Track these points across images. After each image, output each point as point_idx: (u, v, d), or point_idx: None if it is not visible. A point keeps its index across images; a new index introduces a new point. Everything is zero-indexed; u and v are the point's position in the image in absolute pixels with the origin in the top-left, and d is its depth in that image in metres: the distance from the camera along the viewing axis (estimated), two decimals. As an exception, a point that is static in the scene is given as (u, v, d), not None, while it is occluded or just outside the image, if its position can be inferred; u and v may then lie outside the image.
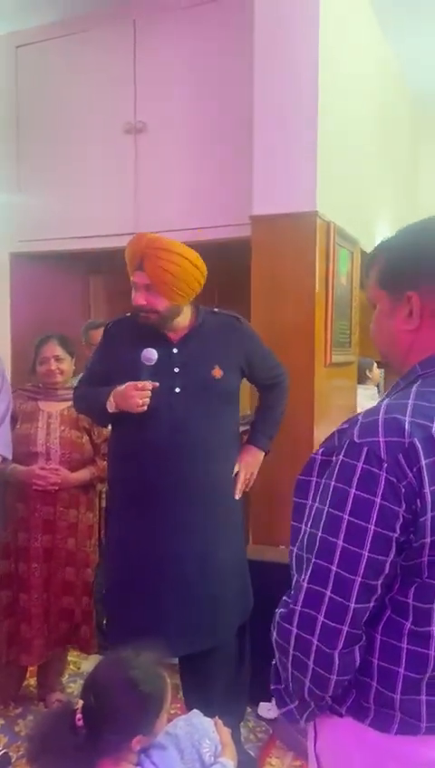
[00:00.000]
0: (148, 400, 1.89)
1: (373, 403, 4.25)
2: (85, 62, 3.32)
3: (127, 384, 1.90)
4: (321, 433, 2.71)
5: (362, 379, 3.73)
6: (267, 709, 2.42)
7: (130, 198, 3.28)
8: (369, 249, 3.47)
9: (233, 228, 2.88)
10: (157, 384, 1.90)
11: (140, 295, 1.93)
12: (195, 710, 1.76)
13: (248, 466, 2.13)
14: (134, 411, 1.89)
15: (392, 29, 3.57)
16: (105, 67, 3.28)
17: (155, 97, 3.19)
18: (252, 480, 2.16)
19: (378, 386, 4.05)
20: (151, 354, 1.90)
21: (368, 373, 3.86)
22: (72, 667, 2.73)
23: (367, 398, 3.73)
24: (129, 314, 2.12)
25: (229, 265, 2.89)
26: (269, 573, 2.31)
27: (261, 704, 2.43)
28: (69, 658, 2.68)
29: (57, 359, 2.43)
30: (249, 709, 2.38)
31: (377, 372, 3.88)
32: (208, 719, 1.73)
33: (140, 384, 1.88)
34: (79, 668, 2.76)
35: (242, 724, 2.29)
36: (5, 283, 3.56)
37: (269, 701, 2.44)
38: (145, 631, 1.68)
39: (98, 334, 2.79)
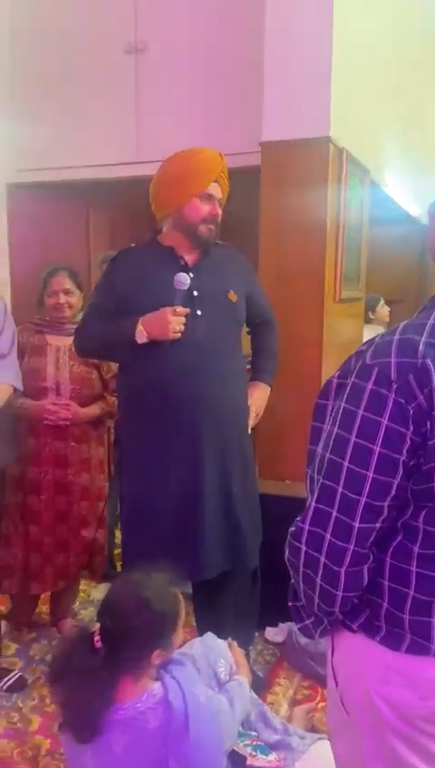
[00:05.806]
0: (183, 326, 1.87)
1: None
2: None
3: (163, 310, 1.86)
4: (328, 370, 2.69)
5: (365, 319, 3.65)
6: (274, 633, 2.50)
7: (131, 125, 3.13)
8: (379, 180, 3.38)
9: (241, 157, 2.74)
10: (188, 310, 1.88)
11: (215, 206, 1.97)
12: (209, 633, 1.82)
13: (257, 401, 2.20)
14: (168, 338, 1.86)
15: None
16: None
17: (158, 14, 3.00)
18: (260, 414, 2.23)
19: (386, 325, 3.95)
20: (184, 279, 1.89)
21: (371, 315, 3.75)
22: (82, 594, 2.80)
23: (375, 338, 3.63)
24: (133, 245, 2.10)
25: (236, 196, 2.80)
26: (276, 506, 2.35)
27: (268, 628, 2.51)
28: (80, 587, 2.74)
29: (66, 292, 2.37)
30: (257, 634, 2.46)
31: (384, 311, 3.78)
32: (223, 641, 1.79)
33: (179, 309, 1.86)
34: (89, 596, 2.83)
35: (251, 647, 2.37)
36: (3, 214, 3.44)
37: (276, 626, 2.51)
38: (167, 554, 1.69)
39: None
